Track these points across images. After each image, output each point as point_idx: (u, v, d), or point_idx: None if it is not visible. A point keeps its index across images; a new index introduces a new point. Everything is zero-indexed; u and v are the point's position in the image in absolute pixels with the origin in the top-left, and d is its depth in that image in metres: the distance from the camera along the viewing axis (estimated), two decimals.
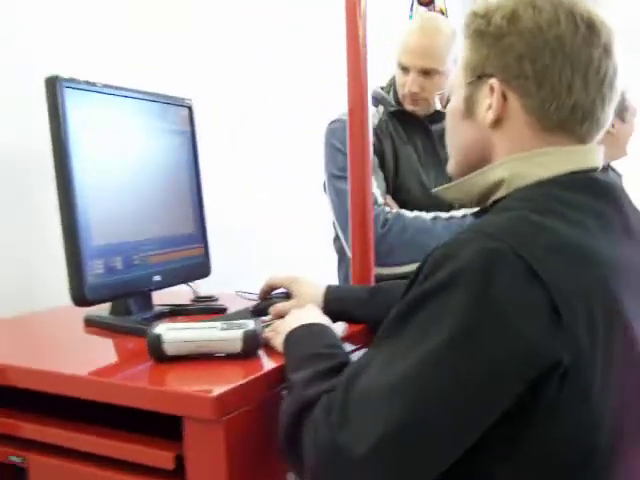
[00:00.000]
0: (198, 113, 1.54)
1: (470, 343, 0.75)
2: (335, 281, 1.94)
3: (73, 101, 1.20)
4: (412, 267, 0.89)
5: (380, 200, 1.74)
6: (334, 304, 1.28)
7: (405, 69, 1.80)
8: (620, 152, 2.30)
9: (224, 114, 2.16)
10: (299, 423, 0.87)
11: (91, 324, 1.34)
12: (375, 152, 1.78)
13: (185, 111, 1.52)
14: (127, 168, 1.33)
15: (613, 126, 2.20)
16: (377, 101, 1.90)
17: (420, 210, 1.74)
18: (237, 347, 1.07)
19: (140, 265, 1.34)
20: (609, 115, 0.92)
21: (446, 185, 1.01)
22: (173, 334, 1.07)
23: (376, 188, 1.73)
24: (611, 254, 0.84)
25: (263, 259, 2.33)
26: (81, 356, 1.17)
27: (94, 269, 1.22)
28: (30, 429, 1.06)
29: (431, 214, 1.72)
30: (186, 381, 1.01)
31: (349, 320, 1.26)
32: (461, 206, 1.59)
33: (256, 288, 1.45)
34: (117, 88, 1.32)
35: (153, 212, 1.39)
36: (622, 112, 2.22)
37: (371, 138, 1.44)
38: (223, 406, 0.92)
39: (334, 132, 1.82)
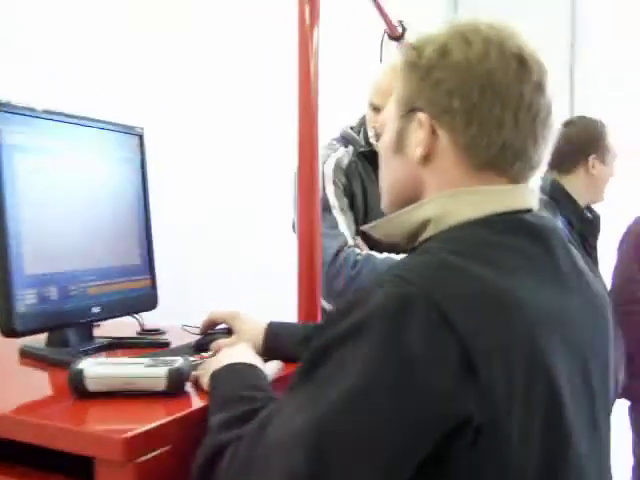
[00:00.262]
0: (150, 141, 1.52)
1: (373, 395, 0.71)
2: None
3: (9, 126, 1.17)
4: None
5: (350, 241, 1.72)
6: (273, 342, 1.25)
7: (376, 109, 1.78)
8: (598, 196, 2.25)
9: (177, 142, 2.14)
10: (211, 468, 0.83)
11: (25, 355, 1.30)
12: (345, 193, 1.77)
13: (135, 139, 1.49)
14: (68, 197, 1.30)
15: (594, 167, 2.17)
16: (347, 141, 1.89)
17: (389, 252, 1.71)
18: (161, 385, 1.03)
19: (77, 296, 1.30)
20: (543, 154, 0.90)
21: (374, 222, 0.97)
22: (96, 369, 1.03)
23: (346, 229, 1.73)
24: (538, 300, 0.80)
25: (216, 291, 2.29)
26: (4, 389, 1.12)
27: (25, 299, 1.18)
28: None
29: (401, 255, 1.69)
30: (101, 420, 0.97)
31: (288, 358, 1.22)
32: (392, 246, 1.55)
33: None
34: (59, 114, 1.29)
35: (95, 242, 1.36)
36: (604, 154, 2.18)
37: (319, 172, 1.41)
38: (134, 448, 0.87)
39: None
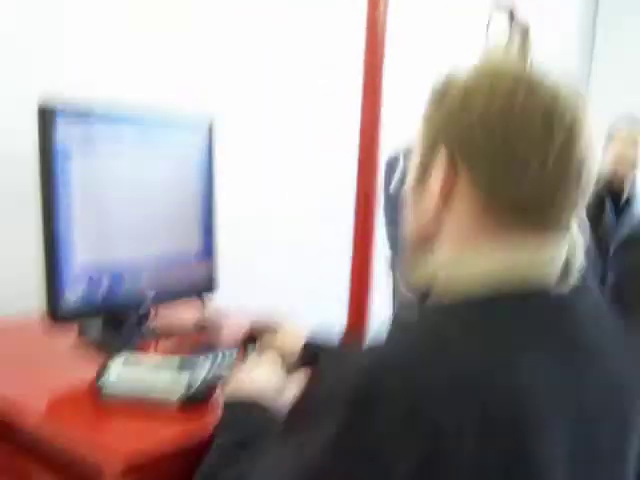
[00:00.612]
0: (219, 126, 1.52)
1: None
2: None
3: (66, 127, 1.21)
4: None
5: None
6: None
7: None
8: None
9: (246, 131, 2.12)
10: None
11: (81, 335, 1.36)
12: None
13: (204, 127, 1.49)
14: (127, 186, 1.32)
15: None
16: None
17: None
18: (178, 396, 1.06)
19: (131, 282, 1.34)
20: (578, 198, 0.82)
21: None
22: (120, 374, 1.07)
23: None
24: (538, 388, 0.74)
25: (275, 279, 2.31)
26: (41, 374, 1.19)
27: (74, 286, 1.23)
28: None
29: None
30: (109, 431, 1.01)
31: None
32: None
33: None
34: (120, 107, 1.32)
35: (154, 228, 1.38)
36: None
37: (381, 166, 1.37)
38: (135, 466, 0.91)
39: (386, 166, 1.79)
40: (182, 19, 1.87)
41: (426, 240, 0.88)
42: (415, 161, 0.89)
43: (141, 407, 1.05)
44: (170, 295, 1.45)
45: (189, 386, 1.05)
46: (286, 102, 2.25)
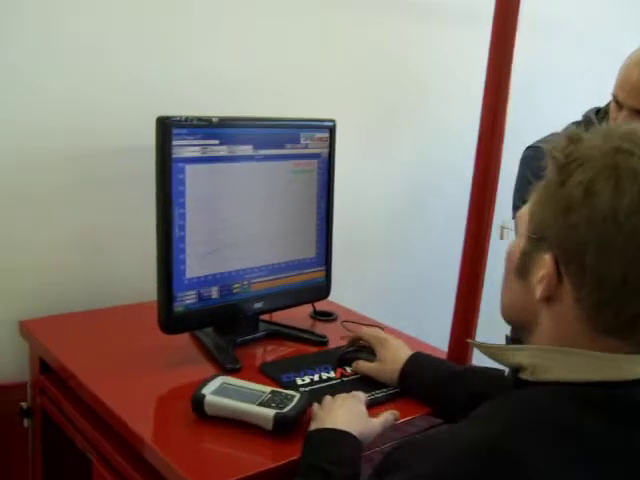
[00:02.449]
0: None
1: None
2: None
3: (181, 141, 1.24)
4: None
5: None
6: (408, 379, 1.23)
7: (618, 104, 1.56)
8: None
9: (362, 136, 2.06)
10: None
11: (195, 337, 1.43)
12: None
13: (324, 133, 1.48)
14: (242, 201, 1.35)
15: None
16: (587, 125, 1.68)
17: None
18: (269, 426, 1.08)
19: (240, 293, 1.38)
20: None
21: (487, 344, 0.89)
22: (215, 399, 1.11)
23: None
24: None
25: (388, 281, 2.26)
26: (147, 378, 1.25)
27: (184, 299, 1.29)
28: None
29: None
30: (202, 454, 1.05)
31: (420, 398, 1.23)
32: None
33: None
34: (237, 119, 1.33)
35: (267, 240, 1.41)
36: None
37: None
38: None
39: (526, 160, 1.69)
40: (302, 28, 1.85)
41: (522, 323, 0.86)
42: (518, 245, 0.85)
43: (233, 429, 1.09)
44: (283, 302, 1.47)
45: (278, 418, 1.08)
46: (403, 109, 2.18)
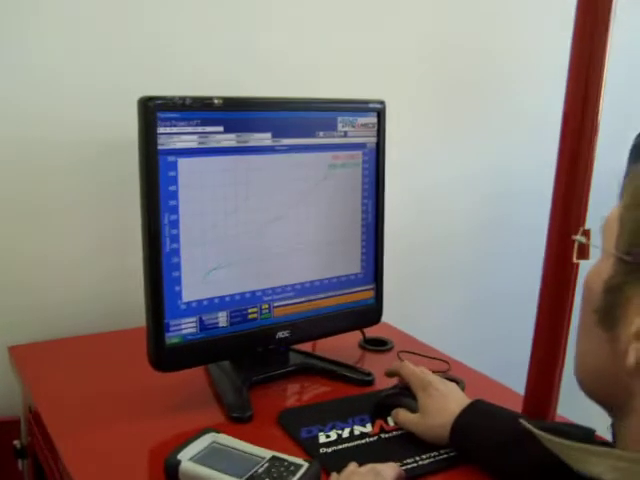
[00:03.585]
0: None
1: None
2: None
3: (171, 128, 0.97)
4: None
5: None
6: (462, 439, 0.91)
7: None
8: None
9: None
10: None
11: (206, 371, 1.17)
12: None
13: (371, 117, 1.18)
14: (255, 202, 1.07)
15: None
16: None
17: None
18: None
19: (257, 320, 1.10)
20: None
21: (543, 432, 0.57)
22: (191, 467, 0.83)
23: None
24: None
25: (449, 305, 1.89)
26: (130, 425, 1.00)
27: (180, 329, 1.02)
28: None
29: None
30: None
31: (478, 462, 0.91)
32: None
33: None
34: (248, 100, 1.05)
35: (292, 252, 1.12)
36: None
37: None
38: None
39: (633, 151, 1.36)
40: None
41: (606, 397, 0.57)
42: (601, 271, 0.53)
43: None
44: (317, 331, 1.18)
45: None
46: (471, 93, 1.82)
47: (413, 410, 0.99)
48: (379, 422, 1.02)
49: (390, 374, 1.08)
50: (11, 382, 1.21)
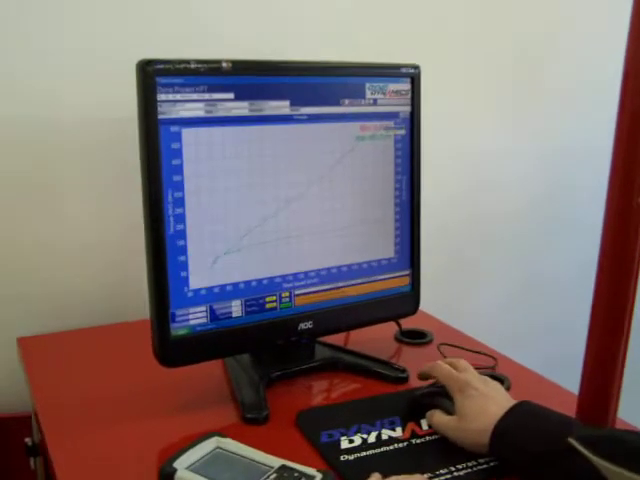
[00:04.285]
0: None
1: None
2: None
3: (173, 94, 0.86)
4: None
5: None
6: (503, 446, 0.78)
7: None
8: None
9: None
10: None
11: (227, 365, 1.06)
12: None
13: (404, 83, 1.05)
14: (272, 176, 0.96)
15: None
16: None
17: None
18: None
19: (276, 309, 0.99)
20: None
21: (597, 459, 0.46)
22: (188, 477, 0.73)
23: None
24: None
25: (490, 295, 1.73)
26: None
27: (188, 319, 0.91)
28: None
29: None
30: None
31: (520, 475, 0.78)
32: None
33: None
34: (263, 63, 0.94)
35: (315, 233, 1.01)
36: None
37: None
38: None
39: None
40: None
41: None
42: None
43: None
44: (344, 322, 1.06)
45: None
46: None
47: (451, 412, 0.87)
48: (411, 425, 0.90)
49: (423, 377, 0.95)
50: (22, 376, 1.14)
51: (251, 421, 0.91)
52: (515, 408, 0.81)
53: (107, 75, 1.19)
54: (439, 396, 0.90)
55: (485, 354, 1.11)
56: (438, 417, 0.87)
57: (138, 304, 1.15)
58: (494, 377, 0.95)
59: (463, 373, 0.88)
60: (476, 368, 0.92)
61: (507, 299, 1.77)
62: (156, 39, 1.22)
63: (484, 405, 0.82)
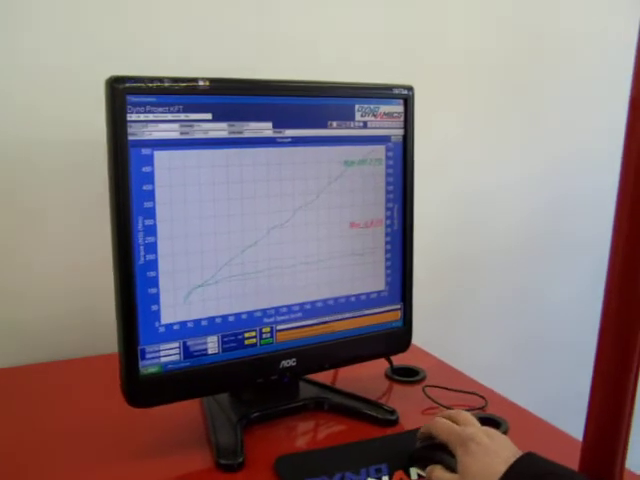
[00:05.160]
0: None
1: None
2: None
3: (145, 114, 0.80)
4: None
5: None
6: None
7: None
8: None
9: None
10: None
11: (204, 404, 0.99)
12: None
13: (396, 105, 0.99)
14: (250, 203, 0.89)
15: None
16: None
17: None
18: None
19: (256, 345, 0.92)
20: None
21: None
22: None
23: None
24: None
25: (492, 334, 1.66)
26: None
27: (159, 356, 0.85)
28: None
29: None
30: None
31: None
32: None
33: None
34: (243, 82, 0.88)
35: (301, 264, 0.94)
36: None
37: None
38: None
39: None
40: None
41: None
42: None
43: None
44: (330, 359, 0.99)
45: None
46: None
47: (453, 468, 0.79)
48: (399, 474, 0.83)
49: (423, 438, 0.87)
50: None
51: (225, 468, 0.84)
52: (517, 463, 0.73)
53: (90, 95, 1.14)
54: (440, 450, 0.83)
55: (476, 394, 1.04)
56: (439, 474, 0.79)
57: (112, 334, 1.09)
58: (489, 419, 0.88)
59: (464, 427, 0.81)
60: (468, 409, 0.85)
61: (506, 334, 1.69)
62: (140, 57, 1.17)
63: (488, 462, 0.75)
